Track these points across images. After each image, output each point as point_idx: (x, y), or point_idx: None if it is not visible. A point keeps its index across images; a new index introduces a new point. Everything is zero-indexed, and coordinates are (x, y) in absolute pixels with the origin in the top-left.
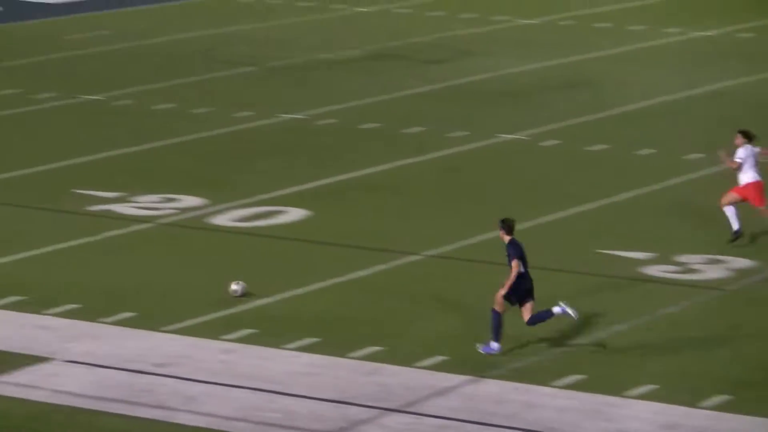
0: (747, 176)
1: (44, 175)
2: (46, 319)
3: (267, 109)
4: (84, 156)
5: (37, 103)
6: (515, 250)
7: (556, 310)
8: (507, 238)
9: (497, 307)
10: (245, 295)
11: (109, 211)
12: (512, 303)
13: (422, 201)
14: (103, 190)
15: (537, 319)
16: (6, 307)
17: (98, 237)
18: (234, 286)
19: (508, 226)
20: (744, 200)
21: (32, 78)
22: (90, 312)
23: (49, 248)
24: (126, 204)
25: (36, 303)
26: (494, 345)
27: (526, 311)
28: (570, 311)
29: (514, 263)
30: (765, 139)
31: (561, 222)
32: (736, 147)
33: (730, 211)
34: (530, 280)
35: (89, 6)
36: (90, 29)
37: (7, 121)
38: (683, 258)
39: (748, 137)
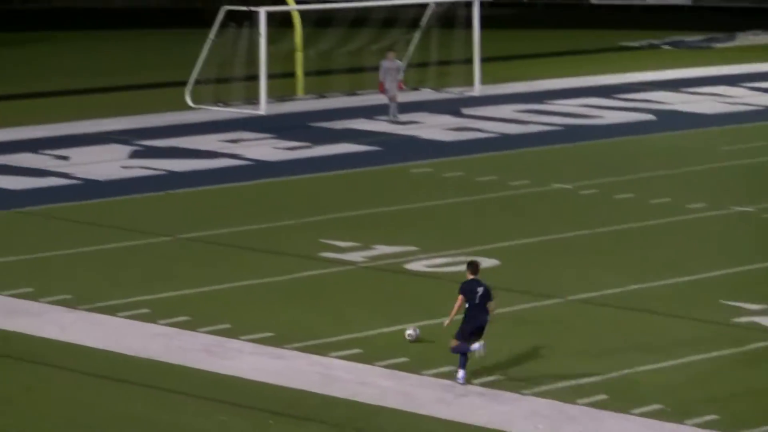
0: None
1: (692, 285)
2: (685, 429)
3: None
4: (737, 266)
5: (688, 212)
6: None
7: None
8: (470, 277)
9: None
10: (418, 340)
11: (754, 323)
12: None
13: None
14: (749, 302)
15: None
16: (648, 414)
17: (743, 348)
18: (410, 331)
19: (473, 267)
20: None
21: (683, 187)
22: (728, 425)
23: (696, 357)
24: None
25: (676, 413)
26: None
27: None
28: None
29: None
30: None
31: None
32: None
33: None
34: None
35: (742, 117)
36: (743, 141)
37: (658, 229)
38: None
39: None
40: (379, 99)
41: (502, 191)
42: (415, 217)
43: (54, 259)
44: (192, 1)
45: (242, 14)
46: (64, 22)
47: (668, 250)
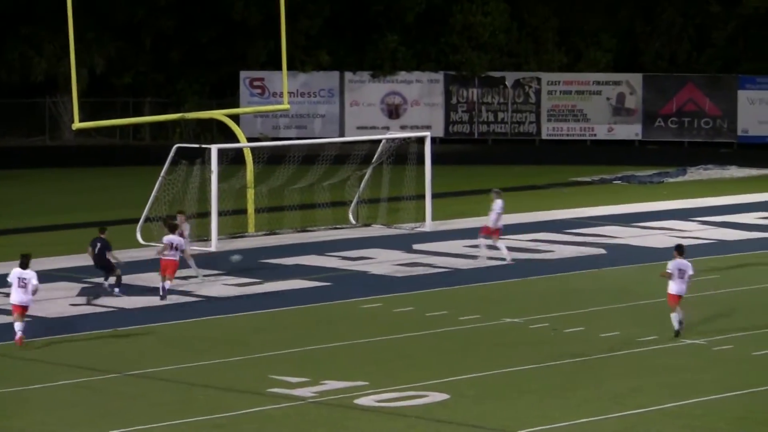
0: None
1: (642, 418)
2: None
3: None
4: (687, 399)
5: (638, 345)
6: None
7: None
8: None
9: None
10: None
11: None
12: None
13: None
14: None
15: None
16: None
17: None
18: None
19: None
20: None
21: (633, 321)
22: None
23: None
24: None
25: None
26: None
27: None
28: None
29: None
30: None
31: None
32: None
33: None
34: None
35: (692, 252)
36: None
37: (608, 362)
38: None
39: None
40: (329, 235)
41: (452, 326)
42: (366, 353)
43: (1, 396)
44: (142, 139)
45: (194, 151)
46: (14, 159)
47: (618, 384)
